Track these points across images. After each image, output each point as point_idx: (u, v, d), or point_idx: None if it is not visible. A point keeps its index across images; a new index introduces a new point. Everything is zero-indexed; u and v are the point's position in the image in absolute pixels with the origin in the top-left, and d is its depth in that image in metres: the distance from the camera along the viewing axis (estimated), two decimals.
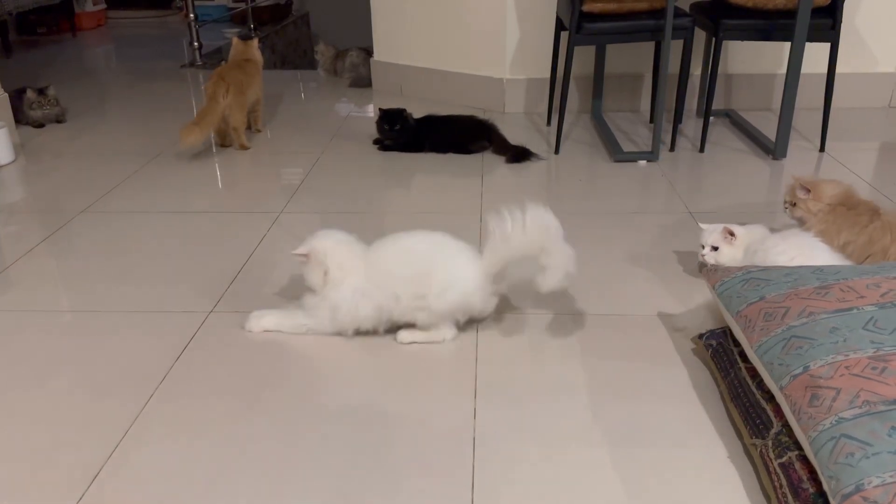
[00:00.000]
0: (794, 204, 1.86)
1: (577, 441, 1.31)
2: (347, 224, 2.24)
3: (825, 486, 1.02)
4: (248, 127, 3.13)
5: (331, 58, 4.19)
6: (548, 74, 3.23)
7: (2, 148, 2.81)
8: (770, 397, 1.26)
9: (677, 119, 2.84)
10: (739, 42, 3.29)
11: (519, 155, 2.80)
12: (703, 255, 1.81)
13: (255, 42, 3.17)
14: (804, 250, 1.61)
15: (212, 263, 2.01)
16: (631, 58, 3.34)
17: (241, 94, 2.90)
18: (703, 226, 1.85)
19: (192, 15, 4.66)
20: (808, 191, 1.83)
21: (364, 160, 2.85)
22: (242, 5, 5.84)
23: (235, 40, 3.14)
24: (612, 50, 3.29)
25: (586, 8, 2.64)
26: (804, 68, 2.62)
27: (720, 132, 3.08)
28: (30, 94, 3.26)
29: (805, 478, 1.09)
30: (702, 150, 2.85)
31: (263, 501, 1.19)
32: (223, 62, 3.65)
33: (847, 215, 1.79)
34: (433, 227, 1.63)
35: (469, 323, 1.67)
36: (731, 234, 1.77)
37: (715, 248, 1.79)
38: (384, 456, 1.28)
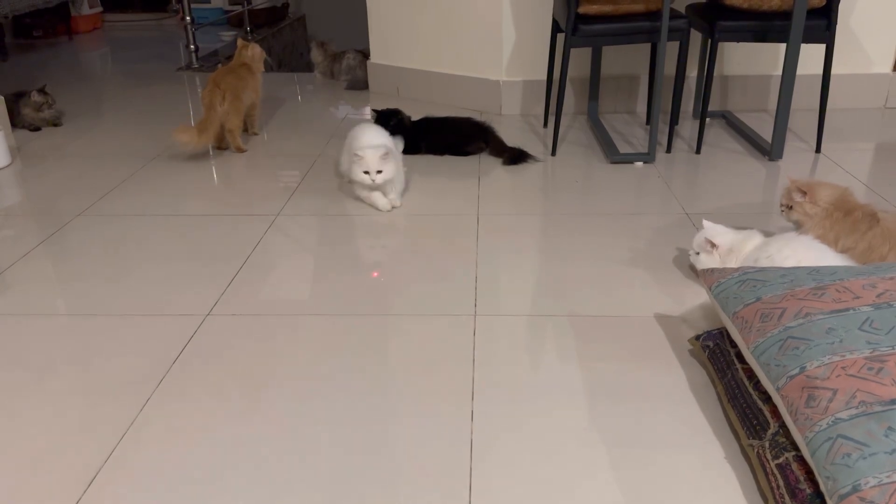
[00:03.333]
0: (791, 207, 1.85)
1: (575, 442, 1.31)
2: (345, 225, 2.26)
3: (822, 487, 1.03)
4: (245, 130, 3.13)
5: (327, 60, 4.19)
6: (544, 76, 3.24)
7: None
8: (767, 398, 1.26)
9: (673, 120, 2.84)
10: (735, 43, 3.30)
11: (516, 157, 2.80)
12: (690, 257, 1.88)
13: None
14: (811, 253, 1.60)
15: (209, 266, 2.00)
16: (627, 59, 3.35)
17: (237, 98, 2.90)
18: (705, 222, 1.85)
19: (188, 18, 4.66)
20: (805, 193, 1.82)
21: None
22: (239, 8, 5.83)
23: (241, 42, 3.15)
24: (608, 52, 3.30)
25: (582, 10, 2.64)
26: (800, 69, 2.62)
27: (716, 133, 3.09)
28: (36, 96, 3.26)
29: (802, 478, 1.09)
30: (698, 151, 2.85)
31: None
32: (219, 65, 3.64)
33: (844, 221, 1.75)
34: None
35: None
36: (712, 244, 1.78)
37: (698, 253, 1.83)
38: (381, 458, 1.28)
